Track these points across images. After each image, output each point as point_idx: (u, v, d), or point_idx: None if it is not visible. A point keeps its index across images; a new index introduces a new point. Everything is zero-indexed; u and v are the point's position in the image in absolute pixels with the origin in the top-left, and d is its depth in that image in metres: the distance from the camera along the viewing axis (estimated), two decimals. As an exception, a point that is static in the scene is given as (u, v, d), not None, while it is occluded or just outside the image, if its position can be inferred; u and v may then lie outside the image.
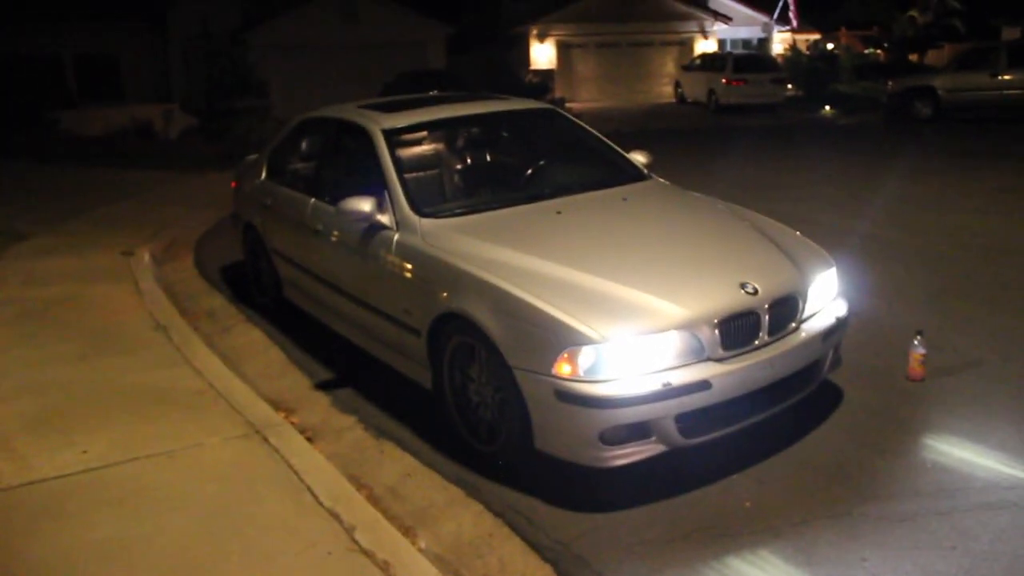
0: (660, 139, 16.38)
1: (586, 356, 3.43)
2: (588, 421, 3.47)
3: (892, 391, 4.62)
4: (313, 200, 5.41)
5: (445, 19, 29.38)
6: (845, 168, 13.23)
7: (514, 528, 3.45)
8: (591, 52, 31.26)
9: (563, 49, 30.96)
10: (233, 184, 7.02)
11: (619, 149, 5.57)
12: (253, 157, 6.90)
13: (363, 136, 5.07)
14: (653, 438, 3.56)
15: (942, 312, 5.82)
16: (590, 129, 5.79)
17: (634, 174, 5.33)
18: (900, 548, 3.22)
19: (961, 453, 3.94)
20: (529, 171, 5.28)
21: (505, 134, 5.89)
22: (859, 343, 4.97)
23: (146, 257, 7.88)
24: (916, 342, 4.68)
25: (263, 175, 6.35)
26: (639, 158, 5.49)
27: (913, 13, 33.13)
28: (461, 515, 3.55)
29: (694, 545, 3.31)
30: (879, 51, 34.47)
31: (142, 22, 25.95)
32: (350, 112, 5.58)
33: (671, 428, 3.54)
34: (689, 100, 27.54)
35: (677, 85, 29.16)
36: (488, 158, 5.69)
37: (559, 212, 4.58)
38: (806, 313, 4.04)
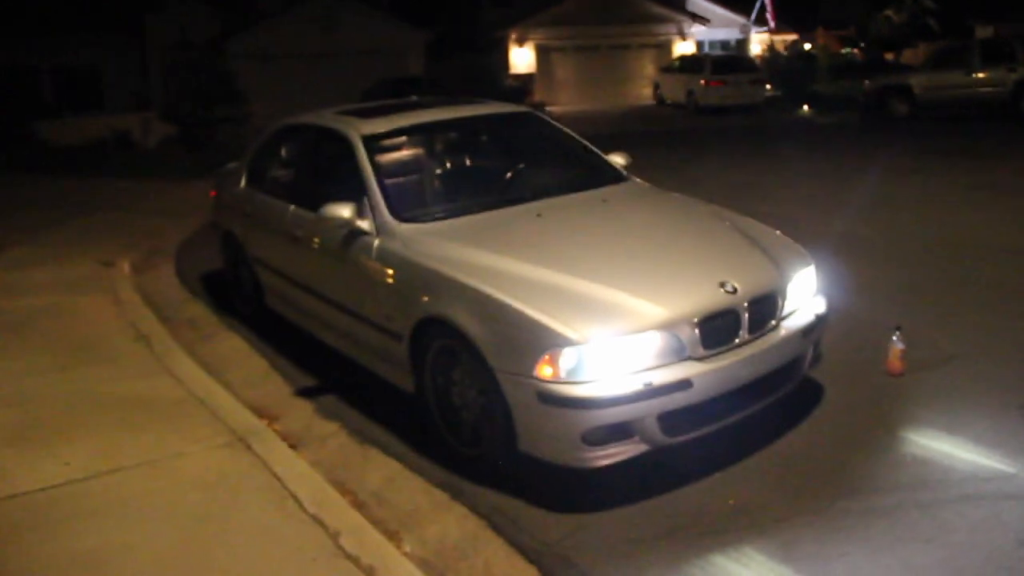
0: (640, 141, 16.44)
1: (567, 357, 3.45)
2: (570, 422, 3.48)
3: (872, 386, 4.66)
4: (293, 207, 5.40)
5: (424, 25, 29.40)
6: (824, 167, 13.34)
7: (499, 530, 3.45)
8: (570, 56, 31.35)
9: (542, 53, 31.03)
10: (212, 192, 7.00)
11: (598, 151, 5.60)
12: (232, 165, 6.88)
13: (342, 142, 5.07)
14: (636, 438, 3.57)
15: (920, 308, 5.88)
16: (569, 132, 5.81)
17: (613, 176, 5.35)
18: (881, 542, 3.26)
19: (940, 446, 3.98)
20: (509, 175, 5.29)
21: (484, 138, 5.91)
22: (839, 339, 5.00)
23: (126, 267, 7.85)
24: (895, 337, 4.73)
25: (243, 183, 6.33)
26: (618, 160, 5.52)
27: (889, 13, 33.54)
28: (445, 518, 3.56)
29: (678, 543, 3.33)
30: (856, 50, 34.81)
31: (121, 32, 25.88)
32: (329, 118, 5.58)
33: (653, 427, 3.56)
34: (668, 102, 27.67)
35: (656, 87, 29.29)
36: (468, 162, 5.71)
37: (539, 215, 4.60)
38: (786, 311, 4.07)
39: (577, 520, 3.54)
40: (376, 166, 4.82)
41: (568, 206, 4.80)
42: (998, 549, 3.18)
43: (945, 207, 9.39)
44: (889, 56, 33.15)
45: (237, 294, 6.57)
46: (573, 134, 5.79)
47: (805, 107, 23.99)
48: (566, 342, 3.45)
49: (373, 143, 4.99)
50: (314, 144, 5.64)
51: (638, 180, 5.42)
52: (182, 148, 18.58)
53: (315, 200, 4.85)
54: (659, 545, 3.33)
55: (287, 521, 3.45)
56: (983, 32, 30.69)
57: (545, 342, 3.48)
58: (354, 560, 3.15)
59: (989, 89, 18.24)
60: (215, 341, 5.90)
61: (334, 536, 3.31)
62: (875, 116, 19.79)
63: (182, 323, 6.29)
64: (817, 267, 4.44)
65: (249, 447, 4.10)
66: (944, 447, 3.97)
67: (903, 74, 21.09)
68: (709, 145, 17.48)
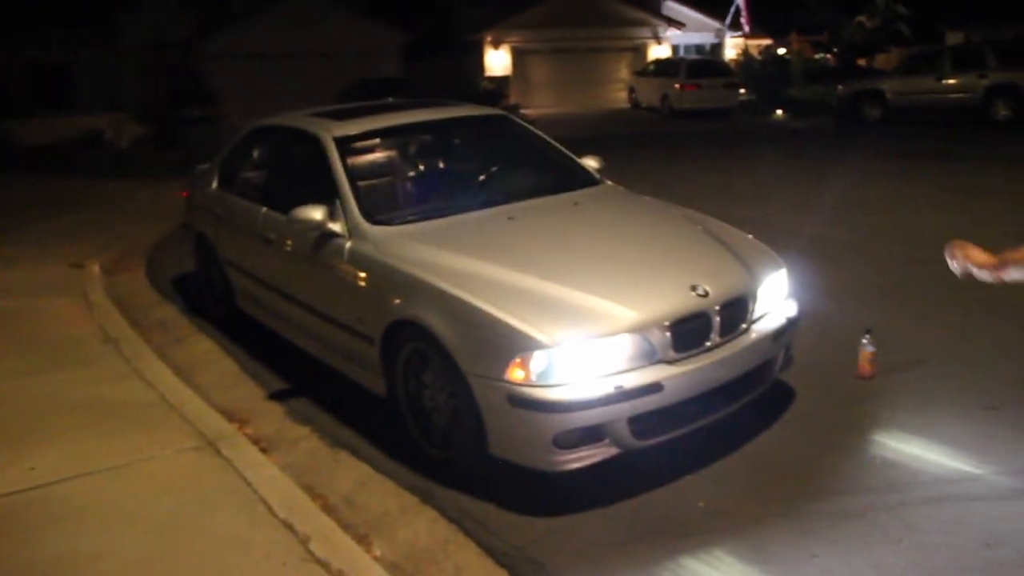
0: (615, 144, 16.44)
1: (538, 361, 3.44)
2: (541, 425, 3.47)
3: (842, 389, 4.69)
4: (265, 209, 5.36)
5: (401, 27, 29.30)
6: (797, 171, 13.43)
7: (469, 534, 3.44)
8: (546, 58, 31.35)
9: (518, 55, 31.03)
10: (184, 193, 6.94)
11: (571, 154, 5.60)
12: (204, 166, 6.82)
13: (315, 144, 5.04)
14: (606, 441, 3.57)
15: (891, 311, 5.92)
16: (542, 135, 5.81)
17: (586, 179, 5.35)
18: (850, 543, 3.27)
19: (909, 448, 4.01)
20: (481, 177, 5.29)
21: (457, 141, 5.89)
22: (810, 342, 5.02)
23: (96, 269, 7.75)
24: (865, 340, 4.76)
25: (214, 184, 6.28)
26: (591, 163, 5.52)
27: (862, 18, 33.85)
28: (416, 522, 3.54)
29: (649, 546, 3.33)
30: (829, 56, 35.06)
31: (94, 31, 25.56)
32: (302, 120, 5.54)
33: (624, 430, 3.56)
34: (643, 105, 27.76)
35: (631, 91, 29.37)
36: (440, 165, 5.69)
37: (511, 218, 4.59)
38: (757, 314, 4.09)
39: (548, 523, 3.53)
40: (348, 168, 4.79)
41: (540, 209, 4.79)
42: (966, 550, 3.20)
43: (921, 210, 9.48)
44: (862, 62, 33.46)
45: (209, 296, 6.50)
46: (546, 137, 5.79)
47: (779, 111, 24.17)
48: (537, 345, 3.44)
49: (345, 145, 4.96)
50: (287, 146, 5.61)
51: (611, 183, 5.42)
52: (155, 148, 18.43)
53: (287, 202, 4.81)
54: (630, 548, 3.33)
55: (257, 526, 3.42)
56: (954, 38, 31.02)
57: (516, 345, 3.47)
58: (324, 565, 3.12)
59: (960, 95, 18.43)
60: (186, 344, 5.84)
61: (304, 541, 3.28)
62: (848, 121, 19.96)
63: (153, 325, 6.22)
64: (791, 270, 4.46)
65: (219, 451, 4.06)
66: (913, 449, 4.00)
67: (876, 79, 21.29)
68: (683, 148, 17.54)
